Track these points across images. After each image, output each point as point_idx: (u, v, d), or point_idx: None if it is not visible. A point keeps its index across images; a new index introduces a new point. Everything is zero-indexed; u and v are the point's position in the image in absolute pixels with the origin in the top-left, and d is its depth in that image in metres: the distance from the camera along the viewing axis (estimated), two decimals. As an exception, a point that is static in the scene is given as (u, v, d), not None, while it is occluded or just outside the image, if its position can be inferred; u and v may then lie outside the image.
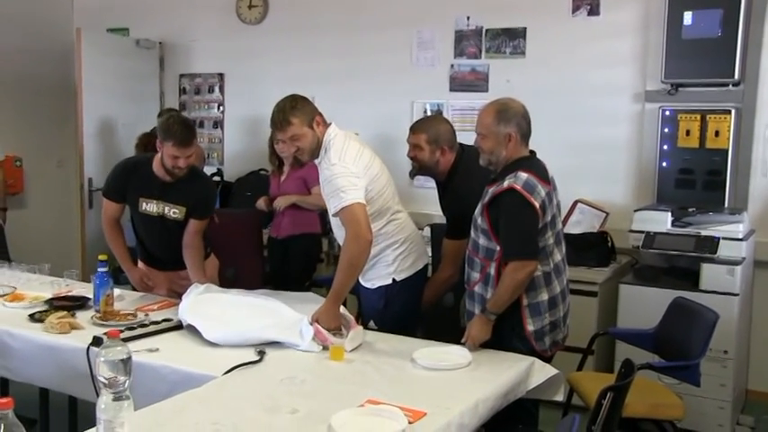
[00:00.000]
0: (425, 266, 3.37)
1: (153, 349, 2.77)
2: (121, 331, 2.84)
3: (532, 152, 2.94)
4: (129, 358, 1.88)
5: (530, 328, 2.83)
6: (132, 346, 2.72)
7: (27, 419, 3.52)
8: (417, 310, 3.35)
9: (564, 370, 3.27)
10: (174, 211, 3.55)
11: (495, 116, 2.84)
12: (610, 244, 4.46)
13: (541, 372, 2.76)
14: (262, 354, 2.71)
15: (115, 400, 1.85)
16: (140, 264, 3.79)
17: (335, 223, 3.13)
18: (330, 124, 3.13)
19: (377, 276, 3.23)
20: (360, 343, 2.86)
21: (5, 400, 1.65)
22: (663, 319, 3.41)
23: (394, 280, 3.23)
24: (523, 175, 2.76)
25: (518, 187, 2.74)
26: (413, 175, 3.57)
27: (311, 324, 2.85)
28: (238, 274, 4.41)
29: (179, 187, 3.52)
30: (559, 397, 2.84)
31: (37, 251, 5.31)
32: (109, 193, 3.67)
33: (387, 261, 3.20)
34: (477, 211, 2.92)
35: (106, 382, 1.84)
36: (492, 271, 2.85)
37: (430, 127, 3.42)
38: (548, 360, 2.89)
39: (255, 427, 2.11)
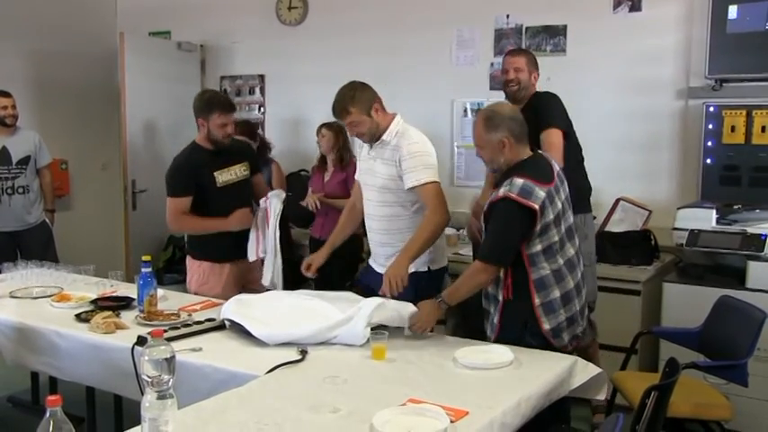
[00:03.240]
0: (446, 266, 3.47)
1: (196, 349, 2.79)
2: (165, 331, 2.90)
3: (534, 151, 2.95)
4: (173, 357, 1.91)
5: (546, 326, 2.83)
6: (175, 345, 2.74)
7: (75, 417, 3.60)
8: None
9: (608, 369, 3.24)
10: (243, 170, 3.84)
11: (484, 125, 2.86)
12: (653, 242, 4.39)
13: (584, 371, 2.73)
14: (304, 353, 2.72)
15: (159, 398, 1.87)
16: (203, 264, 3.84)
17: (376, 201, 3.31)
18: (396, 114, 3.33)
19: (414, 263, 3.23)
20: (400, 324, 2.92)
21: (54, 397, 1.69)
22: (708, 317, 3.36)
23: (429, 268, 3.31)
24: (519, 182, 2.76)
25: (513, 195, 2.74)
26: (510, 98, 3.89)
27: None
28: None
29: (230, 150, 3.83)
30: (602, 396, 2.81)
31: (82, 252, 5.42)
32: (178, 190, 3.75)
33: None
34: (483, 217, 2.97)
35: (150, 380, 1.87)
36: (501, 273, 2.87)
37: (527, 52, 4.05)
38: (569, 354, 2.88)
39: (298, 426, 2.12)
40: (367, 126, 3.22)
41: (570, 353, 2.87)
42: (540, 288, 2.81)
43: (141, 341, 2.78)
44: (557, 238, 2.83)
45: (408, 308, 2.93)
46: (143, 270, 3.28)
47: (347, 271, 4.79)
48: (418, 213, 3.26)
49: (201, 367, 2.67)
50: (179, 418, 2.10)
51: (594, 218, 4.10)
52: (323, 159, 4.99)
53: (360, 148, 3.50)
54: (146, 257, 3.33)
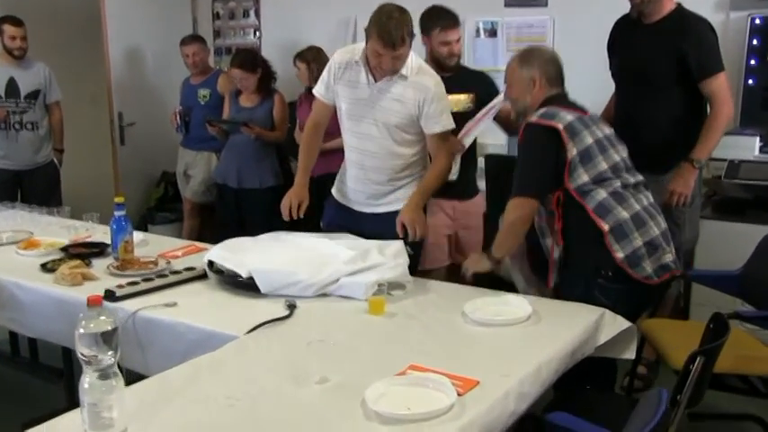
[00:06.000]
0: None
1: (170, 304, 2.46)
2: (137, 283, 2.59)
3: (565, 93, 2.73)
4: (115, 330, 1.56)
5: (619, 255, 2.48)
6: (148, 299, 2.50)
7: (55, 370, 3.33)
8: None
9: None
10: (467, 101, 3.38)
11: (519, 60, 2.74)
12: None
13: (613, 325, 2.38)
14: (292, 308, 2.39)
15: (102, 378, 1.54)
16: None
17: (380, 137, 2.94)
18: None
19: None
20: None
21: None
22: (751, 258, 2.97)
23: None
24: (541, 110, 2.62)
25: (534, 120, 2.58)
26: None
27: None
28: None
29: (460, 77, 3.35)
30: (631, 355, 2.47)
31: (71, 192, 5.13)
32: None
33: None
34: None
35: (87, 359, 1.53)
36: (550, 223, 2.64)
37: None
38: (655, 290, 2.60)
39: (277, 401, 1.79)
40: (405, 59, 2.81)
41: (659, 287, 2.58)
42: (603, 213, 2.49)
43: (109, 295, 2.49)
44: (605, 166, 2.54)
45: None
46: (116, 213, 2.96)
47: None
48: (418, 156, 3.02)
49: (175, 325, 2.35)
50: (139, 393, 1.82)
51: None
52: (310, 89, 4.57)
53: (339, 70, 2.96)
54: (118, 199, 3.00)
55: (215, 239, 3.03)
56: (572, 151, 2.49)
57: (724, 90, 3.25)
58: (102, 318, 1.55)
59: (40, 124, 4.97)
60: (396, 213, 2.91)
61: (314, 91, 3.09)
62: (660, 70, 3.27)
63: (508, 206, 2.60)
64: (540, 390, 1.99)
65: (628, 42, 3.43)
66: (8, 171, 4.89)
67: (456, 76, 3.32)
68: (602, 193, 2.51)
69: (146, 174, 5.72)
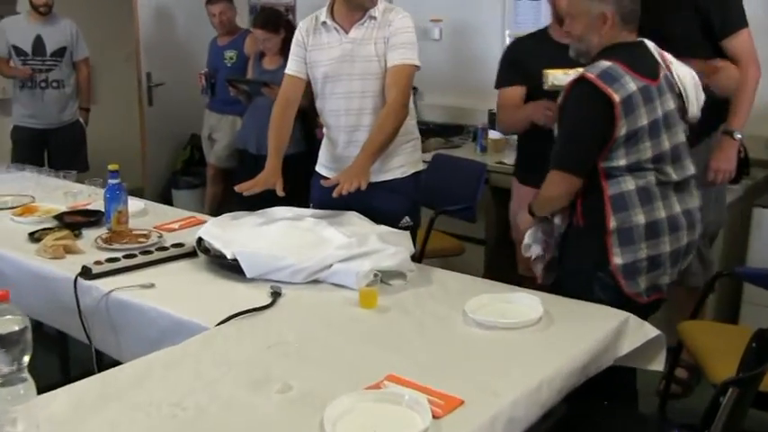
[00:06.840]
0: None
1: (147, 285, 2.25)
2: (117, 259, 2.39)
3: (641, 41, 2.28)
4: (24, 330, 1.34)
5: (617, 260, 2.17)
6: (127, 278, 2.30)
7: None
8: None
9: (674, 316, 2.58)
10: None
11: None
12: (742, 154, 3.56)
13: (638, 332, 2.07)
14: (276, 296, 2.15)
15: (5, 386, 1.32)
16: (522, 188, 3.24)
17: (361, 92, 2.75)
18: None
19: (410, 161, 2.84)
20: None
21: None
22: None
23: (424, 162, 3.01)
24: (605, 64, 2.15)
25: (591, 76, 2.12)
26: None
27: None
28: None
29: None
30: (658, 366, 2.16)
31: (100, 152, 4.94)
32: (500, 79, 3.13)
33: (417, 144, 2.89)
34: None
35: (-13, 364, 1.32)
36: None
37: None
38: (641, 309, 2.21)
39: (225, 413, 1.56)
40: None
41: (646, 309, 2.20)
42: (617, 207, 2.17)
43: (85, 272, 2.31)
44: (649, 155, 2.18)
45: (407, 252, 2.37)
46: (110, 181, 2.77)
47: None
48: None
49: (147, 311, 2.15)
50: (77, 392, 1.64)
51: None
52: None
53: (308, 38, 2.80)
54: (112, 166, 2.79)
55: (238, 208, 2.81)
56: (621, 129, 2.11)
57: (749, 48, 2.89)
58: (8, 317, 1.34)
59: (67, 82, 4.88)
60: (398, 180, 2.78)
61: (286, 71, 2.89)
62: (678, 30, 2.85)
63: (547, 178, 2.27)
64: (538, 413, 1.71)
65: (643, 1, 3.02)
66: (34, 130, 4.83)
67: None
68: (629, 184, 2.17)
69: (173, 136, 5.56)
